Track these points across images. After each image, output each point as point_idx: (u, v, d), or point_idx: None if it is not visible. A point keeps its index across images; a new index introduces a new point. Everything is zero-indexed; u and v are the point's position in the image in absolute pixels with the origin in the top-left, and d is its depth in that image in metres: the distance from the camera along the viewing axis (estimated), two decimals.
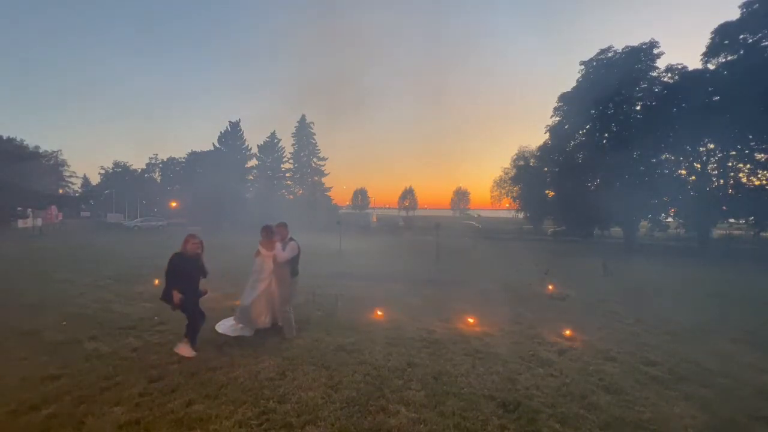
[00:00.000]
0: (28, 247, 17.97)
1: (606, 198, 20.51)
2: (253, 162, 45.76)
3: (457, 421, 3.04)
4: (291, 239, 5.18)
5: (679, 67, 21.33)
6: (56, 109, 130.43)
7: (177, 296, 4.15)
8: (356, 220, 40.35)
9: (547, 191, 25.79)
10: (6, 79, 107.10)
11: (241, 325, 5.09)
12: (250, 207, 39.68)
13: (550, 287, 8.84)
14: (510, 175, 35.98)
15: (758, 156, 18.81)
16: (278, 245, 5.04)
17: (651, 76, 22.09)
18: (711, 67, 20.01)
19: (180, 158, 55.71)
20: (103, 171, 65.77)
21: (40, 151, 47.03)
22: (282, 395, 3.40)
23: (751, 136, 18.62)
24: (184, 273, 4.29)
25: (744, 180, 19.96)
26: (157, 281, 8.52)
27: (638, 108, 22.55)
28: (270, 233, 5.32)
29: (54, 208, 41.39)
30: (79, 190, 60.63)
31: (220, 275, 9.17)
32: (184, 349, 4.31)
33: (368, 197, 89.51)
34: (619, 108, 22.51)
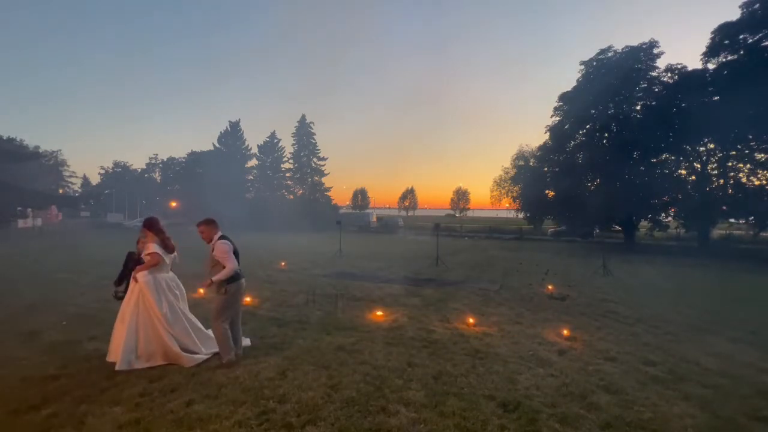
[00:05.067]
0: (28, 247, 17.98)
1: (606, 198, 20.51)
2: (253, 162, 45.78)
3: (457, 421, 3.04)
4: (222, 237, 4.16)
5: (679, 66, 21.34)
6: (56, 109, 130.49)
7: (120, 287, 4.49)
8: (356, 220, 40.43)
9: (547, 191, 25.77)
10: (6, 79, 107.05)
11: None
12: (250, 207, 39.70)
13: (550, 287, 8.84)
14: (510, 175, 35.98)
15: (758, 156, 18.80)
16: (224, 256, 3.99)
17: (651, 76, 22.10)
18: (711, 67, 20.01)
19: (180, 158, 55.81)
20: (103, 171, 66.01)
21: (40, 151, 47.11)
22: (282, 395, 3.40)
23: (751, 136, 18.62)
24: (129, 270, 4.51)
25: (744, 180, 19.96)
26: None
27: (638, 108, 22.56)
28: (151, 228, 4.27)
29: (54, 208, 41.46)
30: (79, 190, 60.67)
31: None
32: None
33: (368, 197, 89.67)
34: (619, 108, 22.51)
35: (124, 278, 4.51)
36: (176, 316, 4.19)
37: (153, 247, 4.18)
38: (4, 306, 6.55)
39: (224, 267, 3.99)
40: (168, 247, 4.28)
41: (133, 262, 4.52)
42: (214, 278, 3.98)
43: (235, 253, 4.14)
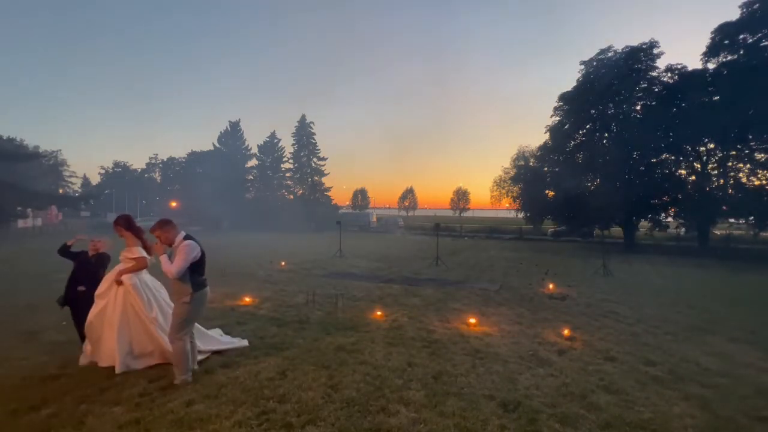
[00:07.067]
0: (27, 248, 17.97)
1: (606, 198, 20.50)
2: (253, 162, 45.73)
3: (457, 421, 3.04)
4: (187, 237, 3.67)
5: (679, 66, 21.32)
6: (56, 109, 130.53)
7: (81, 290, 4.47)
8: (356, 220, 40.45)
9: (547, 191, 25.76)
10: (6, 79, 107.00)
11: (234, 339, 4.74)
12: (250, 207, 39.69)
13: (550, 287, 8.84)
14: (510, 175, 35.99)
15: (758, 156, 18.80)
16: (180, 257, 3.53)
17: (651, 76, 22.07)
18: (711, 66, 20.01)
19: (180, 158, 55.79)
20: (103, 171, 66.02)
21: (40, 151, 47.01)
22: (282, 395, 3.40)
23: (751, 136, 18.62)
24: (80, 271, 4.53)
25: (744, 180, 19.95)
26: None
27: (638, 108, 22.55)
28: (130, 228, 4.15)
29: (54, 208, 41.41)
30: (79, 190, 60.64)
31: (219, 275, 9.20)
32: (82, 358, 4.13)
33: (368, 197, 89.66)
34: (619, 108, 22.50)
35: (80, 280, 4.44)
36: (166, 315, 4.11)
37: (139, 251, 4.10)
38: (4, 306, 6.55)
39: (175, 270, 3.48)
40: (147, 248, 4.17)
41: (85, 262, 4.48)
42: (159, 257, 3.61)
43: (202, 260, 3.70)
